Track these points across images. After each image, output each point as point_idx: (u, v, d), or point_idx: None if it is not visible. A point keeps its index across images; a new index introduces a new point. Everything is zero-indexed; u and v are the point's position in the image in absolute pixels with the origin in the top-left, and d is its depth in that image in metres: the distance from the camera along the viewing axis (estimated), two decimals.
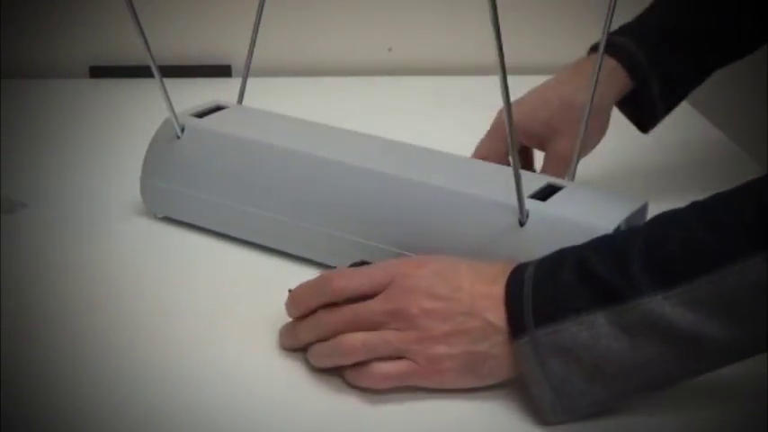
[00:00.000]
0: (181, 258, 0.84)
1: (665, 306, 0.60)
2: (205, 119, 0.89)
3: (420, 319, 0.65)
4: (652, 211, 0.77)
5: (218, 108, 0.91)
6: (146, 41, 0.81)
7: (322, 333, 0.68)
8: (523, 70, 0.92)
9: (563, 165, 0.84)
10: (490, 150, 0.88)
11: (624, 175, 0.90)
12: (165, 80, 0.83)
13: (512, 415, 0.65)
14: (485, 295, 0.65)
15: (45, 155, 1.03)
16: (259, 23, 0.89)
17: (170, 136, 0.87)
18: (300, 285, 0.70)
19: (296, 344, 0.70)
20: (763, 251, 0.58)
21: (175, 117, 0.86)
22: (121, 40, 1.22)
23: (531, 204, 0.74)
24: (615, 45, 0.86)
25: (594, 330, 0.61)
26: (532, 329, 0.63)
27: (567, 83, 0.87)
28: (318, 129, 0.88)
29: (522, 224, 0.73)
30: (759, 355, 0.70)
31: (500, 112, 0.87)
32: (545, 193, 0.76)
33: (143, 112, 0.95)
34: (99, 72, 1.29)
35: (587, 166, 0.81)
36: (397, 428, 0.65)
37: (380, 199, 0.79)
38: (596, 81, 0.78)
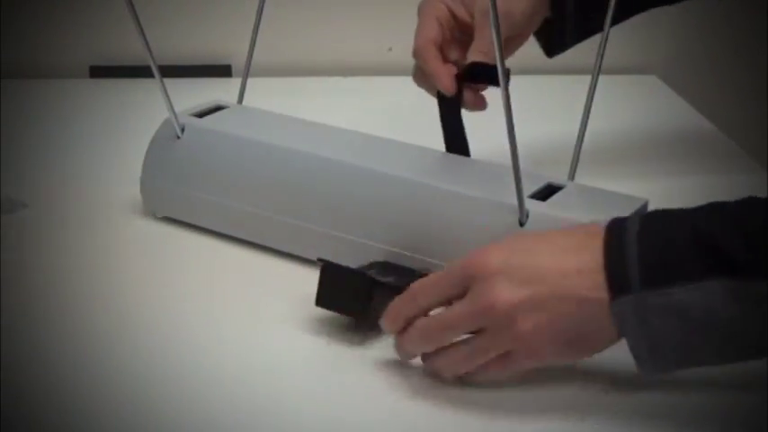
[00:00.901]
0: (181, 258, 0.84)
1: None
2: (205, 119, 0.89)
3: (509, 315, 0.63)
4: None
5: (218, 108, 0.91)
6: (146, 41, 0.81)
7: (422, 347, 0.67)
8: (523, 70, 0.92)
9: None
10: (438, 35, 0.85)
11: (624, 174, 0.90)
12: (165, 80, 0.83)
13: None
14: (572, 270, 0.63)
15: (45, 155, 1.03)
16: (259, 23, 0.89)
17: (170, 136, 0.87)
18: (390, 305, 0.68)
19: (407, 357, 0.69)
20: None
21: (175, 117, 0.86)
22: (121, 40, 1.22)
23: (531, 204, 0.74)
24: None
25: (709, 297, 0.60)
26: (638, 291, 0.61)
27: None
28: (318, 129, 0.88)
29: (522, 224, 0.73)
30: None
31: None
32: (545, 193, 0.76)
33: (143, 112, 0.95)
34: (99, 72, 1.29)
35: (587, 165, 0.81)
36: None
37: (380, 199, 0.79)
38: (597, 75, 0.78)
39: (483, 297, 0.63)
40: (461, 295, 0.65)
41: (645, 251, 0.62)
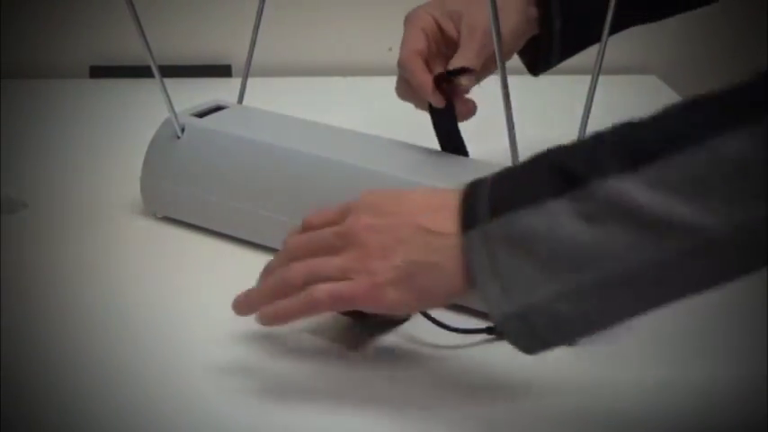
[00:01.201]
0: (181, 258, 0.84)
1: (631, 188, 0.55)
2: (205, 119, 0.89)
3: (362, 236, 0.64)
4: None
5: (218, 108, 0.91)
6: (146, 41, 0.81)
7: (282, 260, 0.68)
8: (523, 70, 0.92)
9: (480, 37, 0.82)
10: (424, 48, 0.83)
11: None
12: (165, 80, 0.83)
13: None
14: (429, 205, 0.64)
15: (45, 155, 1.03)
16: (259, 23, 0.90)
17: (170, 136, 0.87)
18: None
19: (267, 269, 0.69)
20: (740, 126, 0.53)
21: (175, 117, 0.86)
22: (121, 40, 1.22)
23: None
24: None
25: (552, 218, 0.57)
26: (486, 222, 0.59)
27: None
28: (318, 128, 0.88)
29: None
30: (758, 355, 0.70)
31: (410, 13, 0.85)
32: None
33: (143, 112, 0.95)
34: (99, 72, 1.29)
35: None
36: None
37: None
38: (597, 75, 0.78)
39: (348, 220, 0.66)
40: None
41: (495, 186, 0.61)
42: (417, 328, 0.74)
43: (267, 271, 0.70)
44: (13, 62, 1.25)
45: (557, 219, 0.57)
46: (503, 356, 0.72)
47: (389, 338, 0.73)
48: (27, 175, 0.98)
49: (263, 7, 0.89)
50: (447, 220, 0.62)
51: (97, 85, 1.27)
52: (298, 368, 0.70)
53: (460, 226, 0.61)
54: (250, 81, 0.92)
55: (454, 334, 0.73)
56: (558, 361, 0.71)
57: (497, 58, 0.70)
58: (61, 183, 0.97)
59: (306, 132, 0.87)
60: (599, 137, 0.58)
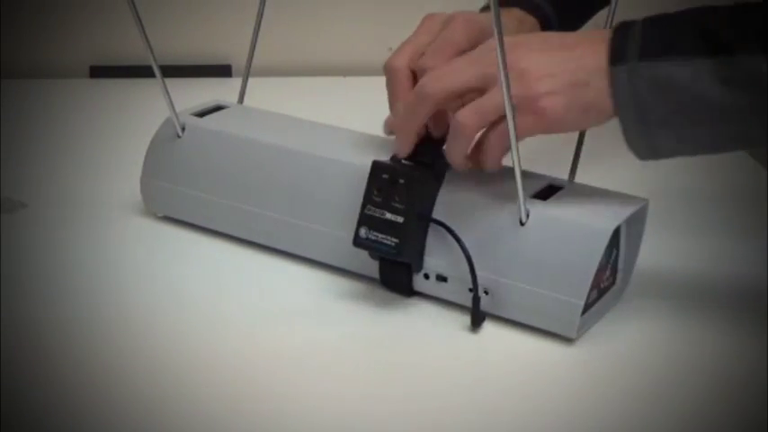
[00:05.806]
0: (181, 258, 0.84)
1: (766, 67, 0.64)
2: (206, 118, 0.89)
3: (523, 64, 0.70)
4: (652, 212, 0.77)
5: (218, 108, 0.91)
6: (147, 41, 0.81)
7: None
8: None
9: None
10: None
11: (624, 175, 0.90)
12: (165, 80, 0.83)
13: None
14: (588, 38, 0.71)
15: (45, 155, 1.04)
16: (259, 24, 0.90)
17: (170, 135, 0.87)
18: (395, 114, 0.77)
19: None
20: None
21: (176, 116, 0.86)
22: (121, 40, 1.22)
23: (531, 204, 0.74)
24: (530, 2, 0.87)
25: (696, 74, 0.66)
26: (634, 61, 0.68)
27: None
28: (318, 128, 0.89)
29: (522, 223, 0.73)
30: (757, 355, 0.70)
31: (425, 18, 0.81)
32: (545, 193, 0.76)
33: (143, 112, 0.95)
34: (99, 72, 1.29)
35: (587, 166, 0.81)
36: None
37: None
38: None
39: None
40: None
41: (647, 32, 0.68)
42: (420, 326, 0.75)
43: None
44: (13, 62, 1.26)
45: (699, 74, 0.66)
46: (501, 356, 0.72)
47: (403, 328, 0.73)
48: (27, 175, 0.98)
49: (263, 7, 0.89)
50: (595, 52, 0.69)
51: (97, 85, 1.27)
52: (297, 362, 0.70)
53: (609, 58, 0.69)
54: (250, 81, 0.92)
55: (452, 334, 0.73)
56: (558, 360, 0.71)
57: (499, 59, 0.70)
58: (61, 183, 0.97)
59: (306, 132, 0.87)
60: (747, 11, 0.67)
